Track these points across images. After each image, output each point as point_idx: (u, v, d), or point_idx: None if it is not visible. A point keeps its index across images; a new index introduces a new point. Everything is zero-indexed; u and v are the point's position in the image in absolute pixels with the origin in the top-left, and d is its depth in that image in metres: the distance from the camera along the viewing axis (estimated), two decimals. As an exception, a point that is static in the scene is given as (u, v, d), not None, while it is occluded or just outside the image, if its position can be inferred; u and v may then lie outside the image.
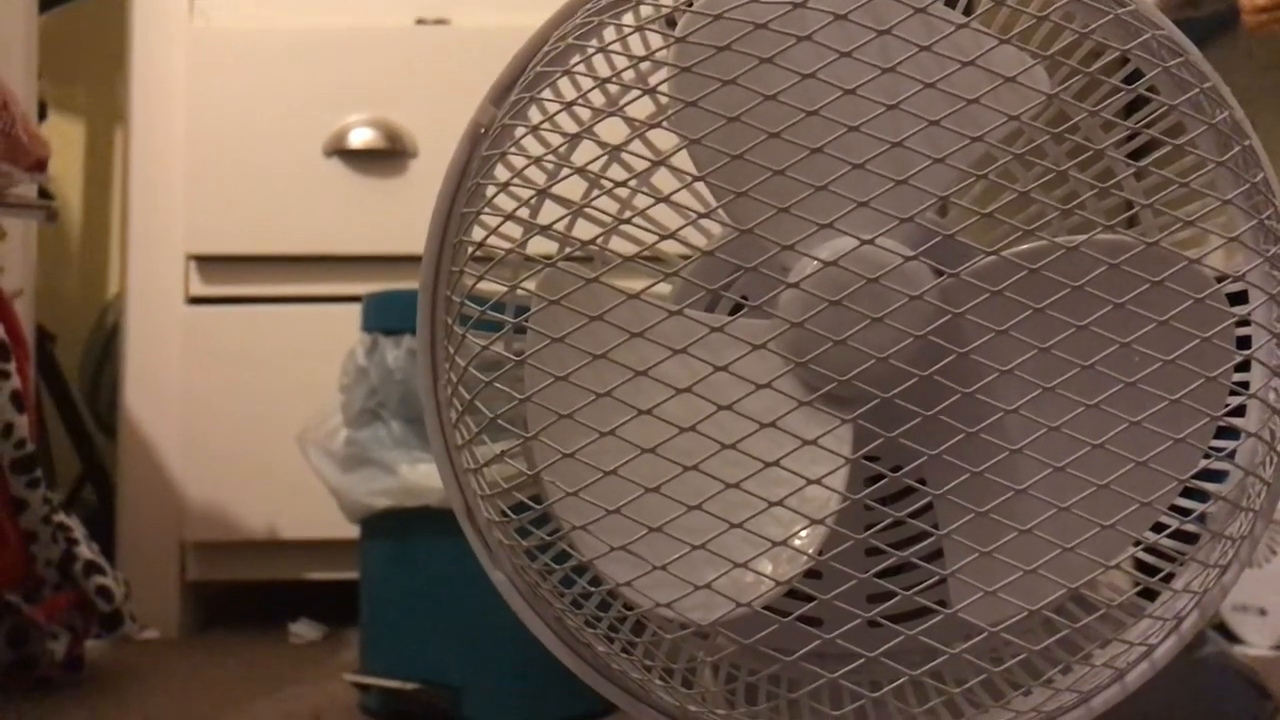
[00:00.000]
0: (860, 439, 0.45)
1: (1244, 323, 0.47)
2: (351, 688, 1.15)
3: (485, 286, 0.48)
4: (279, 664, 1.32)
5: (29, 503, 1.05)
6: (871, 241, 0.44)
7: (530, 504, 0.47)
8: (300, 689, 1.23)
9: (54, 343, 1.57)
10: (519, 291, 0.47)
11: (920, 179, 0.44)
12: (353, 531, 1.18)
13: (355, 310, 1.18)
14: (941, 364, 0.44)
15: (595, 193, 0.48)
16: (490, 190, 0.46)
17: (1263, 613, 1.29)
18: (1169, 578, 0.48)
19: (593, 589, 0.48)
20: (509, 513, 0.48)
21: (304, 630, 1.44)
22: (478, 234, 0.47)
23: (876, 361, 0.44)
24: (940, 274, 0.45)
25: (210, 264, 1.46)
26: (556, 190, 0.47)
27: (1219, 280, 0.45)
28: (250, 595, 1.52)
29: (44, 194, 1.38)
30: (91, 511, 1.53)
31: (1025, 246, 0.46)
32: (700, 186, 0.49)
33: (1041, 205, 0.49)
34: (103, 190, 1.83)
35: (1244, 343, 0.47)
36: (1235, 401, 0.46)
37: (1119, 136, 0.50)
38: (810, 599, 0.46)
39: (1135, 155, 0.52)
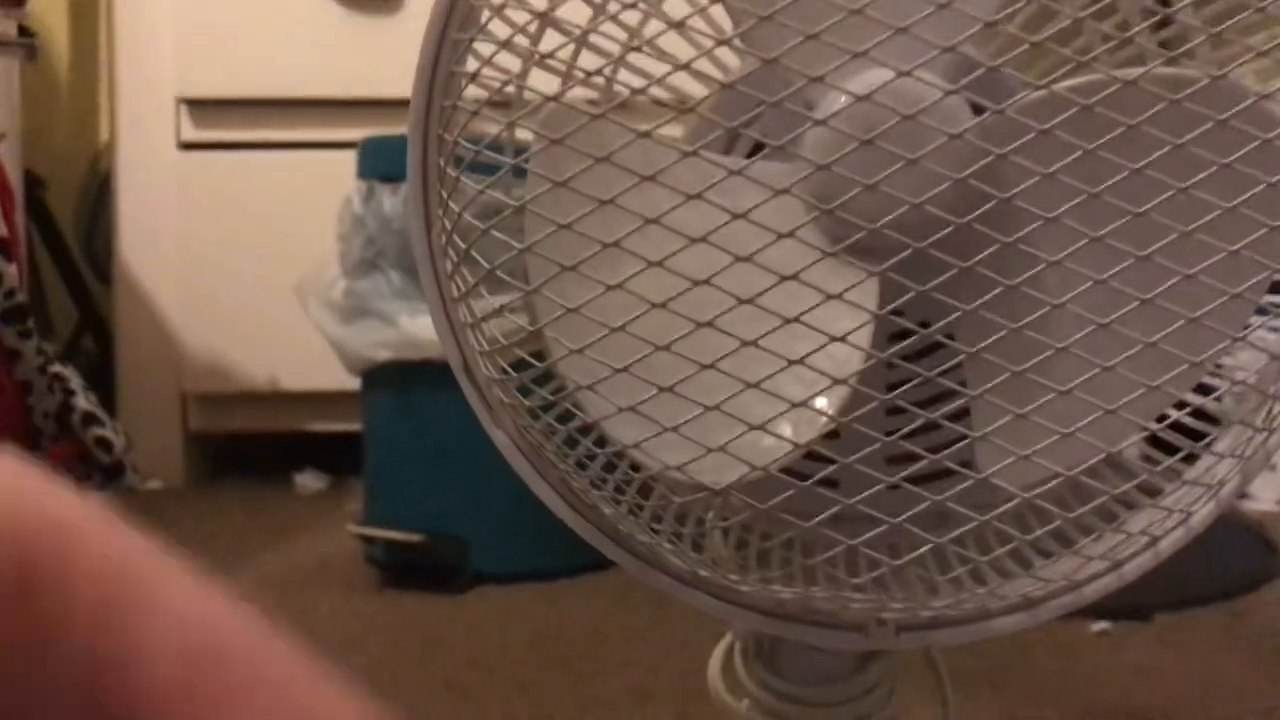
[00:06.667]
0: (887, 293, 0.42)
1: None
2: (357, 538, 1.15)
3: (481, 125, 0.44)
4: (285, 515, 1.32)
5: (22, 353, 1.02)
6: (909, 73, 0.39)
7: (532, 361, 0.44)
8: (306, 539, 1.23)
9: (45, 189, 1.53)
10: (518, 130, 0.43)
11: (963, 5, 0.39)
12: (355, 383, 1.16)
13: (351, 156, 1.13)
14: (980, 210, 0.40)
15: (601, 19, 0.44)
16: (485, 13, 0.41)
17: (1271, 467, 1.27)
18: (1211, 443, 0.45)
19: (598, 450, 0.45)
20: (510, 370, 0.45)
21: (309, 480, 1.44)
22: (473, 66, 0.43)
23: (909, 208, 0.40)
24: (981, 111, 0.41)
25: (202, 108, 1.41)
26: (561, 16, 0.42)
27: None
28: (255, 446, 1.52)
29: (24, 31, 1.32)
30: (92, 360, 1.52)
31: (1075, 81, 0.42)
32: (719, 13, 0.45)
33: (1090, 37, 0.45)
34: (90, 30, 1.76)
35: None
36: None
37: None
38: (829, 461, 0.43)
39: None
